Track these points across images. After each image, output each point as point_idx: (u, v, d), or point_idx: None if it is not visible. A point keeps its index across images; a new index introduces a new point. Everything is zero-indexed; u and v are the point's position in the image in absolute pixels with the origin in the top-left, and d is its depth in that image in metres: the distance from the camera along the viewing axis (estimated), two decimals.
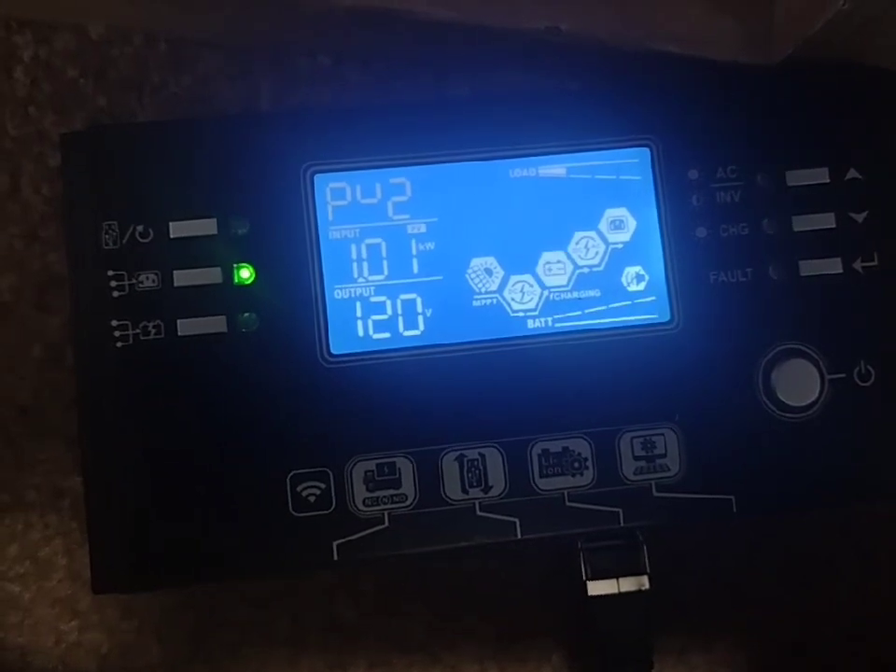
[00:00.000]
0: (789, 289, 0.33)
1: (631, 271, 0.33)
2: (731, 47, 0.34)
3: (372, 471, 0.32)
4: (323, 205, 0.33)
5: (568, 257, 0.33)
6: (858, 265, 0.33)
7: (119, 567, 0.32)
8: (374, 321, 0.33)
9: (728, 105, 0.34)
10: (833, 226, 0.33)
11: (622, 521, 0.32)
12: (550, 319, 0.33)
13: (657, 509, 0.32)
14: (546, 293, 0.33)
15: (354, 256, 0.33)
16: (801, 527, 0.38)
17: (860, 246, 0.33)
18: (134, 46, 0.37)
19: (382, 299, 0.33)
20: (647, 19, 0.34)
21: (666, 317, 0.33)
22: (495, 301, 0.33)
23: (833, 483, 0.33)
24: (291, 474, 0.32)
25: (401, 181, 0.33)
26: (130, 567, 0.32)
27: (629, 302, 0.33)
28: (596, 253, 0.33)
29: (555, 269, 0.33)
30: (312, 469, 0.32)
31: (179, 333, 0.32)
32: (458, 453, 0.32)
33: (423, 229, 0.33)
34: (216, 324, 0.32)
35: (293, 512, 0.32)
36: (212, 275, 0.32)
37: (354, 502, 0.32)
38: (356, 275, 0.33)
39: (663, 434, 0.32)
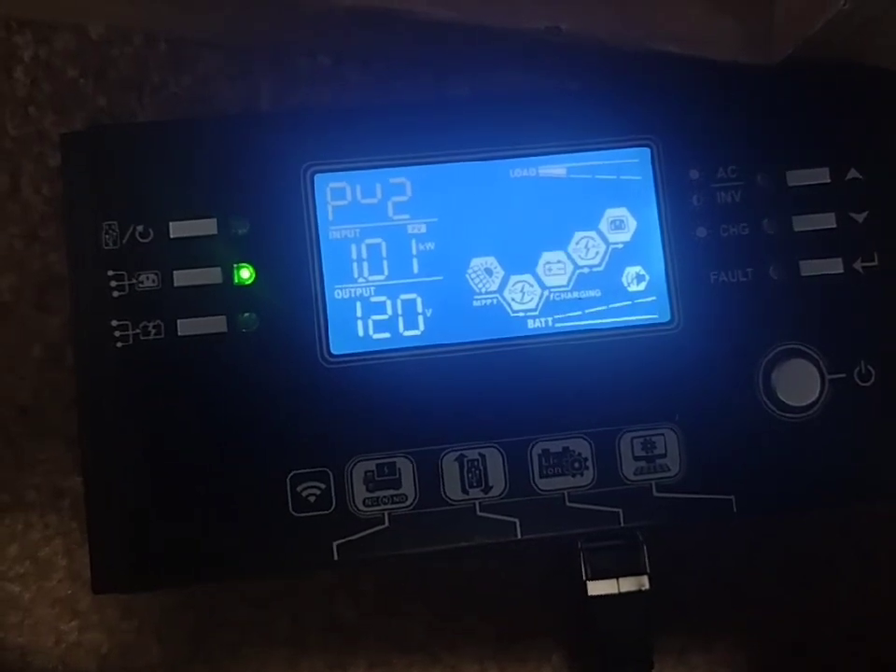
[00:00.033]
0: (789, 289, 0.33)
1: (631, 271, 0.33)
2: (731, 47, 0.34)
3: (372, 471, 0.32)
4: (323, 205, 0.33)
5: (569, 257, 0.33)
6: (858, 265, 0.33)
7: (118, 567, 0.32)
8: (374, 321, 0.33)
9: (728, 104, 0.34)
10: (834, 226, 0.33)
11: (622, 521, 0.32)
12: (550, 319, 0.33)
13: (657, 509, 0.32)
14: (546, 293, 0.33)
15: (354, 256, 0.33)
16: (801, 527, 0.38)
17: (860, 246, 0.33)
18: (134, 46, 0.37)
19: (382, 299, 0.33)
20: (647, 19, 0.34)
21: (667, 317, 0.33)
22: (495, 301, 0.33)
23: (833, 482, 0.33)
24: (291, 474, 0.32)
25: (401, 181, 0.33)
26: (130, 567, 0.32)
27: (629, 302, 0.33)
28: (597, 253, 0.33)
29: (556, 269, 0.33)
30: (312, 470, 0.32)
31: (179, 333, 0.32)
32: (458, 453, 0.32)
33: (423, 229, 0.33)
34: (216, 324, 0.32)
35: (293, 512, 0.32)
36: (212, 275, 0.32)
37: (354, 502, 0.32)
38: (356, 275, 0.33)
39: (663, 434, 0.32)
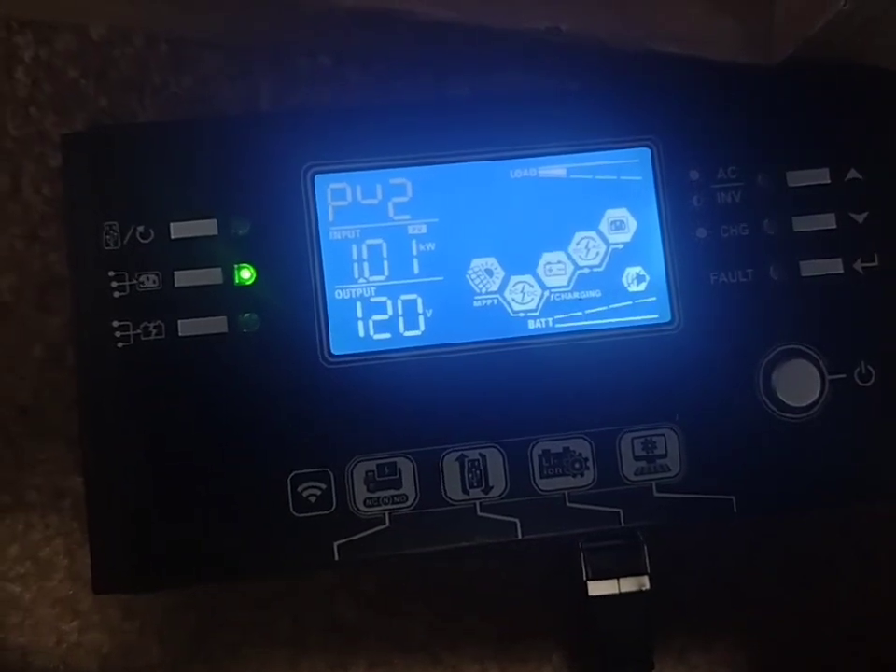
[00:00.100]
0: (789, 290, 0.33)
1: (632, 271, 0.33)
2: (731, 47, 0.34)
3: (373, 472, 0.32)
4: (324, 206, 0.33)
5: (569, 257, 0.33)
6: (858, 265, 0.33)
7: (119, 568, 0.32)
8: (375, 321, 0.33)
9: (728, 105, 0.34)
10: (834, 226, 0.33)
11: (622, 521, 0.32)
12: (550, 320, 0.33)
13: (657, 509, 0.32)
14: (547, 293, 0.33)
15: (354, 256, 0.33)
16: (801, 527, 0.38)
17: (860, 247, 0.33)
18: (135, 46, 0.37)
19: (382, 299, 0.33)
20: (647, 19, 0.34)
21: (667, 318, 0.33)
22: (495, 301, 0.33)
23: (833, 483, 0.33)
24: (292, 474, 0.32)
25: (402, 182, 0.33)
26: (131, 568, 0.32)
27: (630, 303, 0.33)
28: (597, 253, 0.33)
29: (556, 269, 0.33)
30: (313, 470, 0.32)
31: (180, 334, 0.32)
32: (459, 453, 0.32)
33: (423, 229, 0.33)
34: (216, 324, 0.32)
35: (294, 513, 0.32)
36: (213, 276, 0.32)
37: (355, 502, 0.32)
38: (356, 276, 0.33)
39: (663, 434, 0.32)
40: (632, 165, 0.34)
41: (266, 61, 0.38)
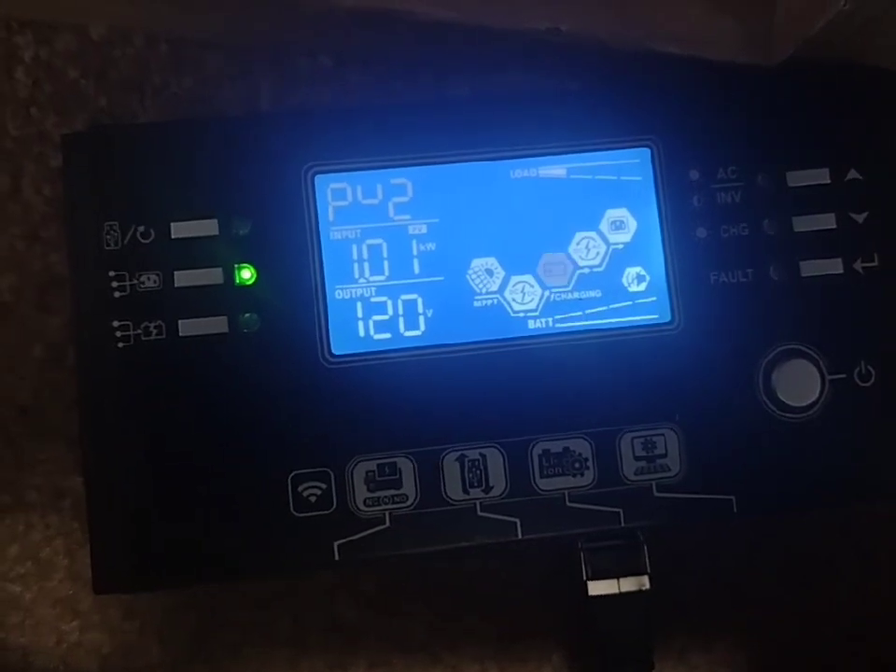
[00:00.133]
0: (789, 290, 0.33)
1: (632, 271, 0.33)
2: (731, 47, 0.34)
3: (373, 471, 0.32)
4: (324, 206, 0.33)
5: (569, 257, 0.33)
6: (858, 266, 0.33)
7: (120, 568, 0.32)
8: (375, 321, 0.33)
9: (728, 105, 0.34)
10: (834, 226, 0.33)
11: (622, 521, 0.32)
12: (550, 320, 0.33)
13: (658, 509, 0.32)
14: (547, 293, 0.33)
15: (355, 256, 0.33)
16: (801, 527, 0.38)
17: (860, 247, 0.33)
18: (136, 47, 0.37)
19: (383, 299, 0.33)
20: (647, 19, 0.34)
21: (667, 318, 0.33)
22: (495, 301, 0.33)
23: (833, 482, 0.33)
24: (292, 474, 0.32)
25: (402, 182, 0.33)
26: (131, 568, 0.32)
27: (630, 303, 0.33)
28: (597, 253, 0.33)
29: (556, 269, 0.33)
30: (313, 470, 0.32)
31: (180, 334, 0.32)
32: (459, 453, 0.32)
33: (424, 229, 0.33)
34: (217, 324, 0.32)
35: (294, 513, 0.32)
36: (213, 276, 0.32)
37: (355, 502, 0.32)
38: (357, 276, 0.33)
39: (663, 434, 0.33)
40: (632, 165, 0.34)
41: (266, 61, 0.38)
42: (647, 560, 0.33)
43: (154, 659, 0.37)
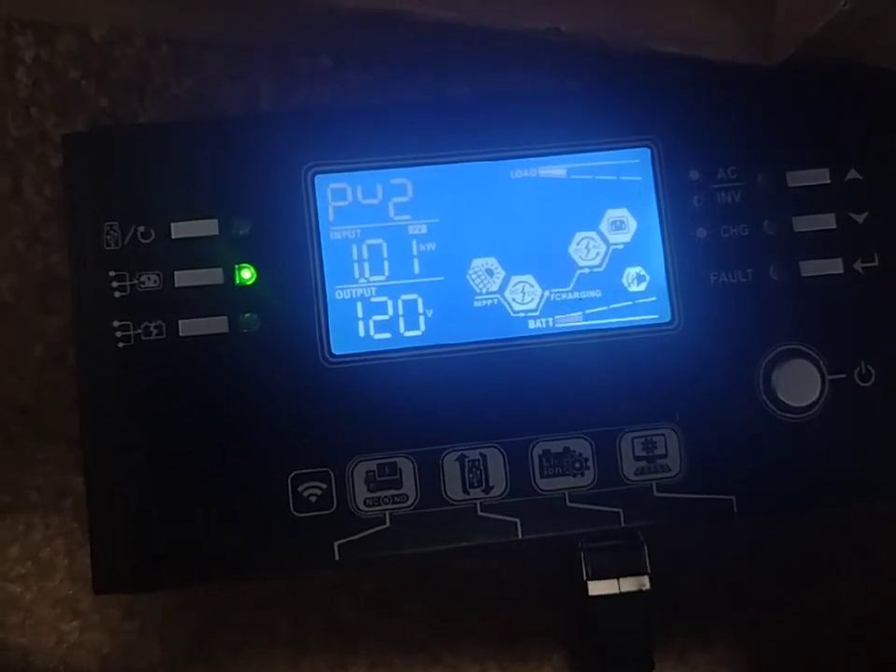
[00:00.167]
0: (789, 290, 0.33)
1: (632, 271, 0.33)
2: (731, 47, 0.34)
3: (374, 471, 0.32)
4: (324, 206, 0.33)
5: (569, 257, 0.33)
6: (858, 266, 0.33)
7: (120, 568, 0.32)
8: (375, 321, 0.33)
9: (728, 105, 0.34)
10: (834, 226, 0.33)
11: (622, 521, 0.32)
12: (551, 320, 0.33)
13: (658, 509, 0.32)
14: (547, 293, 0.33)
15: (355, 256, 0.33)
16: (801, 527, 0.38)
17: (860, 247, 0.33)
18: (136, 47, 0.37)
19: (383, 299, 0.33)
20: (647, 19, 0.34)
21: (667, 318, 0.33)
22: (496, 301, 0.33)
23: (833, 482, 0.33)
24: (292, 474, 0.32)
25: (402, 182, 0.33)
26: (131, 568, 0.32)
27: (630, 303, 0.33)
28: (597, 254, 0.33)
29: (556, 269, 0.33)
30: (313, 470, 0.32)
31: (181, 334, 0.32)
32: (459, 453, 0.32)
33: (424, 229, 0.33)
34: (217, 324, 0.32)
35: (294, 513, 0.32)
36: (213, 276, 0.32)
37: (355, 502, 0.32)
38: (357, 276, 0.33)
39: (663, 434, 0.33)
40: (632, 165, 0.34)
41: (266, 61, 0.38)
42: (647, 560, 0.33)
43: (154, 659, 0.37)
